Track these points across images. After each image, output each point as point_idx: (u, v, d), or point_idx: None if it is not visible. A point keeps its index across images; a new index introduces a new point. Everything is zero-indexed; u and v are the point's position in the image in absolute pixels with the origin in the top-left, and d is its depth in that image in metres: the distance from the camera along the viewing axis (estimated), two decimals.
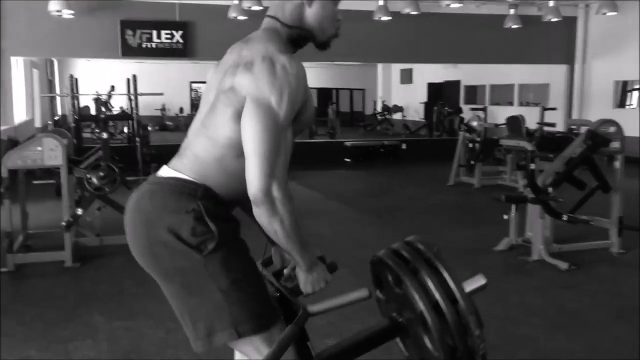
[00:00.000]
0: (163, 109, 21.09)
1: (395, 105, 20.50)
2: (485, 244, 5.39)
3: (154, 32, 10.73)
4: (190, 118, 21.77)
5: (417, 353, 1.67)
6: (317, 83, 21.10)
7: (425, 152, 12.46)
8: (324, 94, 21.93)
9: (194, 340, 1.64)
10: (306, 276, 1.71)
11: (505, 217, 5.20)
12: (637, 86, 13.17)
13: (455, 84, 18.83)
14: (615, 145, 5.07)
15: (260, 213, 1.54)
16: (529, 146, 4.85)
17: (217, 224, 1.58)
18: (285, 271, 1.88)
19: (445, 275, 1.53)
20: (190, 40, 10.96)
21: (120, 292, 4.22)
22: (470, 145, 8.96)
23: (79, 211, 4.97)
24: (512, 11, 11.54)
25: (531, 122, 10.79)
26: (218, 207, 1.61)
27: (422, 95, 20.06)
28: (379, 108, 21.44)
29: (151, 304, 3.90)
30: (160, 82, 18.84)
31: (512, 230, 5.22)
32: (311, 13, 1.71)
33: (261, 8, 9.98)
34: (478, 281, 1.58)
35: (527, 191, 4.93)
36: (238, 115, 1.57)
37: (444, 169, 9.40)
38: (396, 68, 21.62)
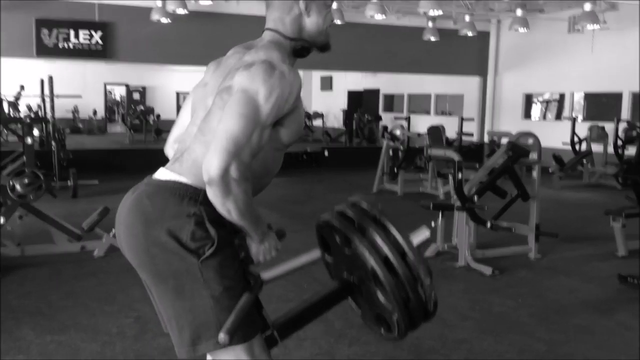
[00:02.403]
0: (75, 111, 20.27)
1: (315, 112, 20.69)
2: None
3: (72, 32, 10.36)
4: (102, 121, 21.03)
5: (370, 310, 1.69)
6: None
7: (347, 160, 12.68)
8: None
9: (178, 346, 1.64)
10: (258, 247, 1.72)
11: (433, 224, 5.40)
12: (540, 99, 14.03)
13: (375, 92, 19.27)
14: (534, 156, 5.39)
15: (213, 194, 1.53)
16: (456, 156, 5.07)
17: (216, 229, 1.59)
18: (236, 241, 1.82)
19: (392, 230, 1.57)
20: (110, 41, 10.65)
21: (49, 304, 4.03)
22: (393, 153, 9.22)
23: (1, 220, 4.71)
24: (430, 24, 12.00)
25: (449, 131, 11.23)
26: (216, 212, 1.60)
27: (342, 103, 20.38)
28: None
29: (82, 317, 3.78)
30: (73, 83, 18.12)
31: (439, 237, 5.43)
32: (310, 22, 1.76)
33: (186, 12, 9.83)
34: (423, 233, 1.65)
35: (454, 199, 5.15)
36: None
37: (367, 176, 9.60)
38: (316, 75, 21.84)
